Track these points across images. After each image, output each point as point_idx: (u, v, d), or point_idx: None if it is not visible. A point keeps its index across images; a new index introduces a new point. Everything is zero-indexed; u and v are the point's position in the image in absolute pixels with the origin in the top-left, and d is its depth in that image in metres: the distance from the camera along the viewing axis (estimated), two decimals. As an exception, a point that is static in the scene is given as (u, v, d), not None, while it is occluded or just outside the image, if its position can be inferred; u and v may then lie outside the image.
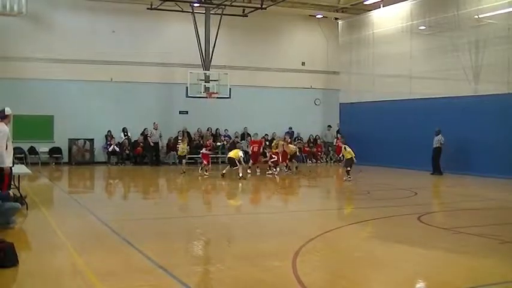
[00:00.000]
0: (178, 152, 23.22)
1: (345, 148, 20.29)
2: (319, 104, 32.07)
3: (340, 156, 24.25)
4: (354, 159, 19.87)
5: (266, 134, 29.15)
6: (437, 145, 22.24)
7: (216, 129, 29.08)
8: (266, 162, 22.72)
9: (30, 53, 25.54)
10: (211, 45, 26.98)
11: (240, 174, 19.73)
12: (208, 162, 21.73)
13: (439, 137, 22.16)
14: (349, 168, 19.88)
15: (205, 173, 21.28)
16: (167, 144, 27.93)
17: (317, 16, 30.93)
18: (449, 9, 23.15)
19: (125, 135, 27.12)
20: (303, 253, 8.47)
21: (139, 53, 27.50)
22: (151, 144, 26.66)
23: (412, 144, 24.03)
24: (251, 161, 22.38)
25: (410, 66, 24.99)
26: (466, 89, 22.52)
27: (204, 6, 26.92)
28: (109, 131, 26.88)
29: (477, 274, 7.60)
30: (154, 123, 26.75)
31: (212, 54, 27.03)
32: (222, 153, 27.35)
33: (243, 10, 27.26)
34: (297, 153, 23.41)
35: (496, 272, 7.71)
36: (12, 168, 11.31)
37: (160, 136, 27.25)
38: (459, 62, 22.50)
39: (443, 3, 23.69)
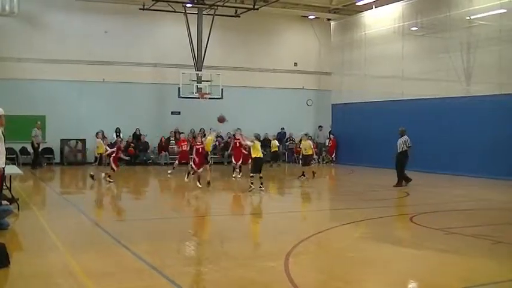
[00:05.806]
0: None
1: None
2: (311, 105, 32.11)
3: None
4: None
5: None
6: (402, 149, 18.19)
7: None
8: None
9: (22, 53, 25.45)
10: (204, 45, 26.98)
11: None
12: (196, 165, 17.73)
13: (404, 138, 18.15)
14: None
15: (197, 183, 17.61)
16: (159, 144, 27.86)
17: (309, 17, 30.98)
18: (441, 10, 23.26)
19: (117, 136, 26.96)
20: (296, 254, 8.47)
21: (131, 54, 27.48)
22: (35, 145, 24.57)
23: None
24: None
25: (402, 67, 25.07)
26: (458, 89, 22.66)
27: (197, 7, 26.90)
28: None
29: (470, 274, 7.62)
30: (37, 122, 24.66)
31: (204, 55, 27.02)
32: (214, 154, 27.29)
33: (236, 11, 27.26)
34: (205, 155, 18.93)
35: (489, 272, 7.74)
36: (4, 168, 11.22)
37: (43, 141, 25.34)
38: (451, 63, 22.63)
39: (435, 5, 23.77)
